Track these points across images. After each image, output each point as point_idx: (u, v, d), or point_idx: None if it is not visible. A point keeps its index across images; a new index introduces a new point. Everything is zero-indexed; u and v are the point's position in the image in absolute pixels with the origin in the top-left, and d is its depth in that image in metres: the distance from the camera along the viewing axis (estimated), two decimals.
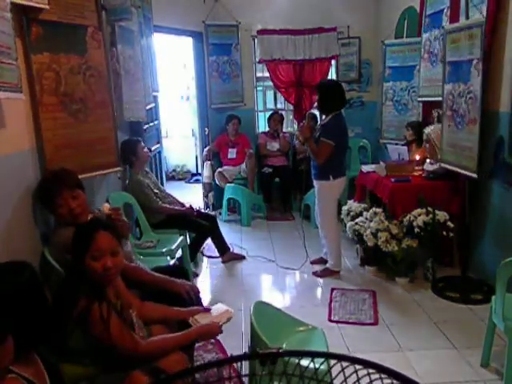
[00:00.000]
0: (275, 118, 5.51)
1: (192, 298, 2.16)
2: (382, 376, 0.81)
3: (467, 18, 3.04)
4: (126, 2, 2.92)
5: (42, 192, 2.16)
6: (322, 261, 3.86)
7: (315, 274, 3.71)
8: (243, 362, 1.01)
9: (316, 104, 3.61)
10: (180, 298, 2.12)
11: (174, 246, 3.29)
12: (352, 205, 4.05)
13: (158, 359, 1.66)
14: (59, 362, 1.44)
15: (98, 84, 2.56)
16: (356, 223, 3.74)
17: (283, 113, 5.96)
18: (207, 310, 2.01)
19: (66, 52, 2.32)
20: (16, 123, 2.07)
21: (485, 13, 3.09)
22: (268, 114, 6.09)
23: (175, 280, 2.20)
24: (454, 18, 3.49)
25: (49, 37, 2.20)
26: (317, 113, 5.62)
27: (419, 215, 3.36)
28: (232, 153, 5.42)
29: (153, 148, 4.36)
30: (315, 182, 3.63)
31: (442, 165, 3.43)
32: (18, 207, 2.03)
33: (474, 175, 2.99)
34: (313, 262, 3.91)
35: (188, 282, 2.26)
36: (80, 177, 2.40)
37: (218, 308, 2.02)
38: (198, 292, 2.26)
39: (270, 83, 5.77)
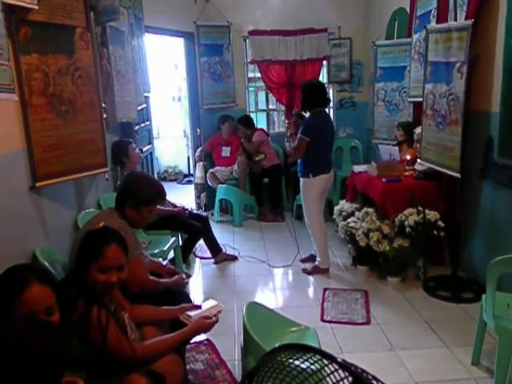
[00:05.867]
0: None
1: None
2: None
3: (455, 19, 3.06)
4: (115, 1, 2.90)
5: (153, 188, 2.31)
6: (312, 258, 3.89)
7: (305, 271, 3.74)
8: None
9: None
10: (169, 296, 2.19)
11: (166, 248, 3.28)
12: (344, 205, 4.06)
13: (153, 361, 1.66)
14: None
15: (87, 85, 2.54)
16: (348, 223, 3.76)
17: (275, 113, 5.92)
18: (197, 307, 2.01)
19: (54, 53, 2.29)
20: (6, 124, 2.04)
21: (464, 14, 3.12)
22: (260, 114, 5.99)
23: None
24: (442, 18, 3.51)
25: (37, 37, 2.18)
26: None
27: (410, 215, 3.38)
28: (226, 151, 5.38)
29: (144, 149, 4.34)
30: (300, 180, 3.68)
31: (423, 162, 3.52)
32: (7, 208, 2.00)
33: (457, 175, 3.06)
34: (303, 261, 3.94)
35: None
36: (69, 178, 2.40)
37: (208, 303, 2.03)
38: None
39: (262, 84, 5.76)
